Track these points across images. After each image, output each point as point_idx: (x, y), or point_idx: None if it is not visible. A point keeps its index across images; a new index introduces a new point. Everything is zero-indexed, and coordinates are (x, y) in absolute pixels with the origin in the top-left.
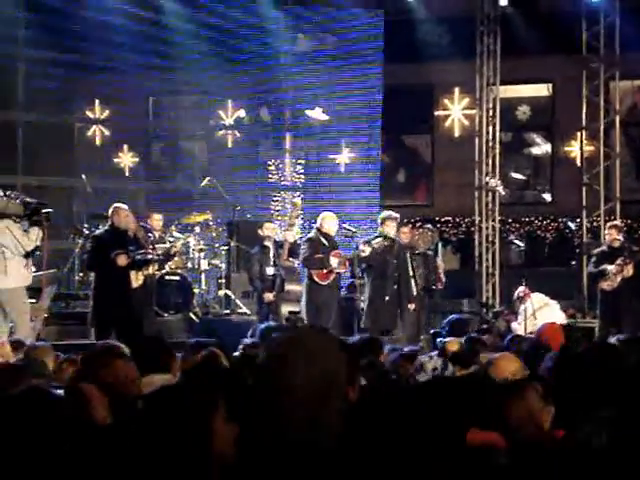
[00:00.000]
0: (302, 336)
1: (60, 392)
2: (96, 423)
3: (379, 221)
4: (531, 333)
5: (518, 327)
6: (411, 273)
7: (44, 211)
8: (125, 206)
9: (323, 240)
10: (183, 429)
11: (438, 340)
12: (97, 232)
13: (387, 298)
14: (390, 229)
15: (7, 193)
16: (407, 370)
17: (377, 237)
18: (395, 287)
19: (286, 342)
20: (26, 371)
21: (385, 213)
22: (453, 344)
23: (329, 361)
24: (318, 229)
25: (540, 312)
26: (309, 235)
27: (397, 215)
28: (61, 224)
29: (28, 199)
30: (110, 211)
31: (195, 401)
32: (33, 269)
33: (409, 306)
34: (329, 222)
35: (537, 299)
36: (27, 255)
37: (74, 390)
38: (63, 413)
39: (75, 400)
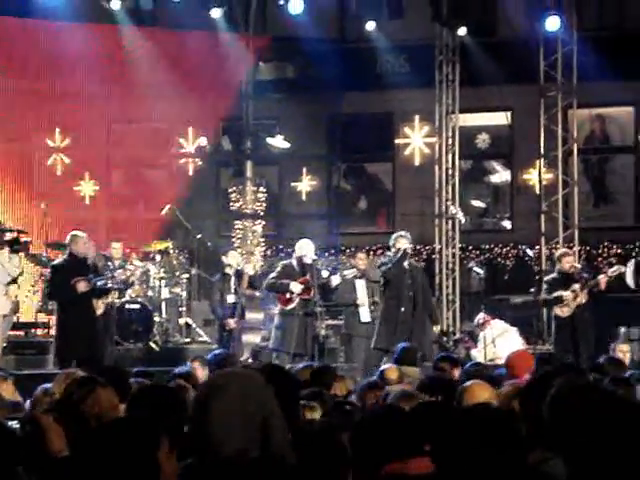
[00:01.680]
0: (224, 381)
1: (14, 423)
2: (51, 455)
3: (391, 241)
4: (491, 360)
5: (478, 354)
6: (366, 301)
7: (24, 239)
8: (83, 233)
9: (296, 267)
10: (130, 464)
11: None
12: (56, 261)
13: (401, 317)
14: (402, 245)
15: None
16: (371, 399)
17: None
18: (409, 306)
19: (207, 387)
20: None
21: (398, 232)
22: (392, 371)
23: (250, 404)
24: (296, 256)
25: (499, 339)
26: (284, 261)
27: (408, 234)
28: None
29: (5, 226)
30: (68, 239)
31: (140, 437)
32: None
33: (434, 329)
34: (304, 249)
35: (497, 326)
36: (14, 282)
37: (30, 421)
38: (19, 445)
39: (31, 431)
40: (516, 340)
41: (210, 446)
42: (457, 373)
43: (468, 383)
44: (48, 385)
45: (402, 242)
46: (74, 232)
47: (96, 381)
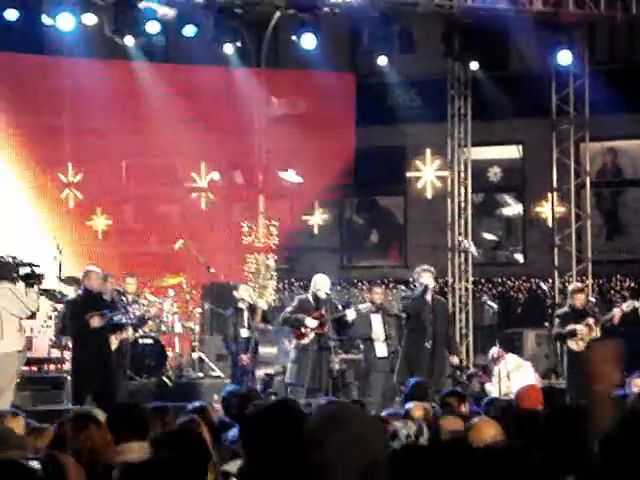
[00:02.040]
0: (346, 414)
1: (35, 463)
2: None
3: (415, 275)
4: (506, 394)
5: (492, 389)
6: (382, 336)
7: (38, 273)
8: (97, 269)
9: (312, 301)
10: None
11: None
12: (71, 296)
13: (422, 352)
14: (426, 280)
15: (1, 256)
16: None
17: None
18: (429, 342)
19: (325, 419)
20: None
21: (421, 266)
22: (418, 409)
23: (366, 445)
24: (312, 291)
25: (514, 374)
26: (300, 296)
27: (432, 268)
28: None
29: (21, 260)
30: (82, 275)
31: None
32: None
33: (452, 359)
34: (319, 284)
35: (511, 360)
36: (32, 316)
37: (51, 460)
38: None
39: (52, 471)
40: (531, 375)
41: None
42: (464, 408)
43: (474, 420)
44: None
45: (425, 277)
46: (88, 267)
47: (90, 418)
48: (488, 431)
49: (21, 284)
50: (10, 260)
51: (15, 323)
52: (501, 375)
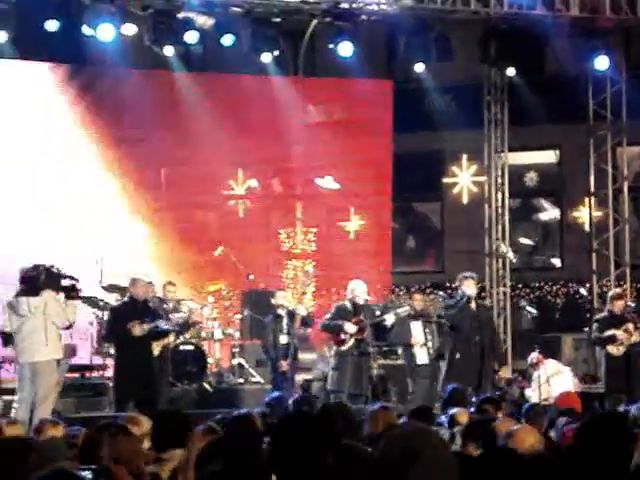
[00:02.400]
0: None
1: (87, 473)
2: None
3: (457, 282)
4: (546, 400)
5: (532, 394)
6: (422, 341)
7: (78, 287)
8: (142, 277)
9: (349, 308)
10: None
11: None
12: (116, 304)
13: (468, 361)
14: (467, 288)
15: (47, 266)
16: None
17: (460, 299)
18: (475, 350)
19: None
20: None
21: (463, 273)
22: (462, 415)
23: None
24: (349, 298)
25: (553, 379)
26: (338, 303)
27: (474, 274)
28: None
29: (63, 273)
30: (128, 282)
31: None
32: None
33: (499, 370)
34: (356, 290)
35: (550, 365)
36: (70, 327)
37: (104, 472)
38: None
39: None
40: (569, 380)
41: None
42: (500, 415)
43: (514, 428)
44: None
45: (467, 284)
46: (134, 276)
47: (118, 426)
48: (528, 439)
49: (61, 295)
50: (56, 271)
51: (56, 332)
52: (541, 380)
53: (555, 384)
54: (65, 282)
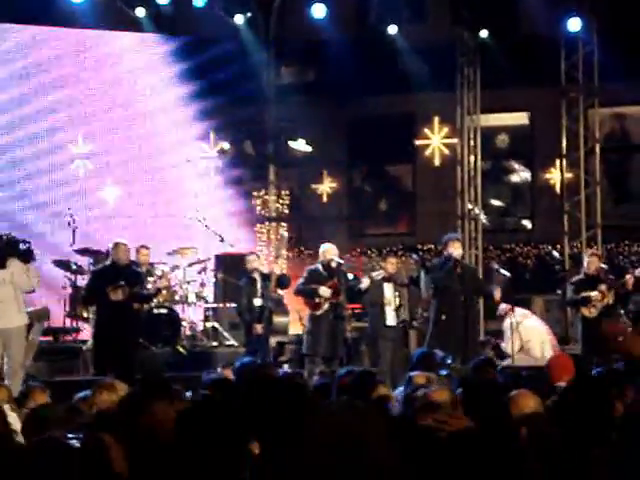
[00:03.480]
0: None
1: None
2: (115, 474)
3: (442, 244)
4: (521, 349)
5: (507, 346)
6: (393, 303)
7: (33, 249)
8: (124, 241)
9: (322, 271)
10: None
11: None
12: (97, 267)
13: (452, 322)
14: (453, 250)
15: (4, 235)
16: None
17: (444, 262)
18: (461, 311)
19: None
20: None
21: (447, 235)
22: (421, 377)
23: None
24: (321, 261)
25: (523, 324)
26: (310, 267)
27: (459, 236)
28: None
29: (16, 238)
30: (110, 246)
31: None
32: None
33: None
34: (328, 253)
35: (517, 312)
36: (33, 291)
37: (92, 440)
38: (81, 464)
39: (94, 451)
40: (538, 323)
41: None
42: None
43: (513, 393)
44: (84, 393)
45: (453, 247)
46: (116, 240)
47: (153, 393)
48: (527, 403)
49: (18, 260)
50: (12, 237)
51: (22, 299)
52: (512, 328)
53: (525, 329)
54: (22, 246)
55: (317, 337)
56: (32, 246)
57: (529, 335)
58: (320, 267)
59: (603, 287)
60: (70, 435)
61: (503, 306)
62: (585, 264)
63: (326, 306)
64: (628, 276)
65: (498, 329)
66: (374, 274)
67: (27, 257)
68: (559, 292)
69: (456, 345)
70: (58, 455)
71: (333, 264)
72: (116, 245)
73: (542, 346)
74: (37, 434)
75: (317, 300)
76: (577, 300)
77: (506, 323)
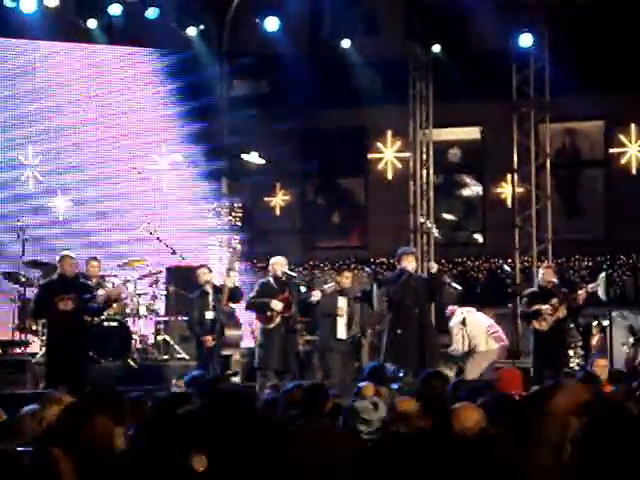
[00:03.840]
0: None
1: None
2: None
3: (396, 258)
4: (471, 349)
5: (457, 347)
6: (345, 315)
7: None
8: (72, 254)
9: (274, 284)
10: None
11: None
12: (45, 280)
13: (399, 331)
14: (407, 264)
15: None
16: None
17: (398, 275)
18: (416, 324)
19: None
20: None
21: (401, 249)
22: (369, 388)
23: None
24: (272, 274)
25: (468, 319)
26: (261, 280)
27: (414, 249)
28: None
29: None
30: (57, 259)
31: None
32: None
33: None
34: (278, 266)
35: (459, 310)
36: None
37: (42, 454)
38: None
39: (44, 465)
40: (480, 316)
41: None
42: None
43: (457, 406)
44: (33, 407)
45: (407, 260)
46: (63, 252)
47: (93, 407)
48: (471, 416)
49: None
50: None
51: None
52: (458, 327)
53: (470, 324)
54: None
55: (269, 350)
56: None
57: (474, 330)
58: (271, 280)
59: (554, 301)
60: (19, 449)
61: (450, 308)
62: (540, 276)
63: (278, 319)
64: (580, 291)
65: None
66: (326, 286)
67: None
68: (510, 305)
69: (413, 359)
70: (8, 469)
71: (283, 277)
72: (62, 258)
73: (486, 338)
74: None
75: (269, 313)
76: (529, 313)
77: (452, 322)
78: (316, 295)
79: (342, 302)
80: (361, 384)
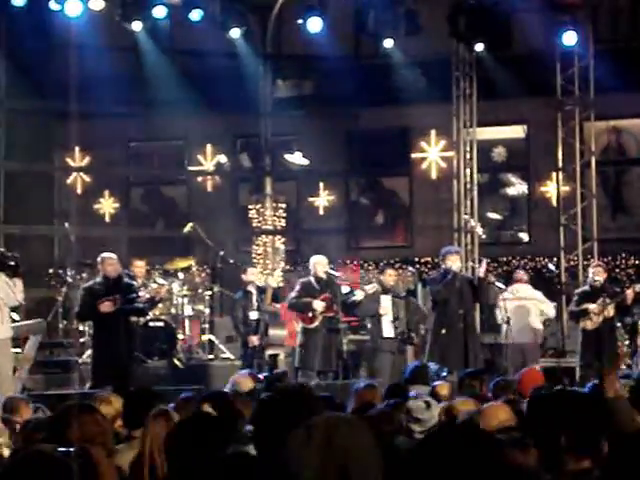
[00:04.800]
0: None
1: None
2: None
3: (440, 256)
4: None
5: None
6: (390, 314)
7: (19, 264)
8: (111, 255)
9: (315, 284)
10: None
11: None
12: (88, 283)
13: (443, 331)
14: (452, 263)
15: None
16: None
17: (444, 275)
18: (461, 324)
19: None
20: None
21: (445, 248)
22: (443, 387)
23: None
24: (313, 273)
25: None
26: (302, 279)
27: (458, 249)
28: (43, 273)
29: (6, 252)
30: (98, 260)
31: None
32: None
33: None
34: (319, 266)
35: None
36: (19, 306)
37: (82, 453)
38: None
39: (83, 464)
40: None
41: None
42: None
43: (486, 405)
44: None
45: (452, 260)
46: (103, 254)
47: (84, 406)
48: (498, 415)
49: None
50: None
51: (8, 312)
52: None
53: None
54: (10, 261)
55: (310, 350)
56: (19, 261)
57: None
58: (312, 280)
59: (602, 300)
60: (60, 449)
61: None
62: (590, 275)
63: (320, 319)
64: (629, 291)
65: (493, 342)
66: (367, 287)
67: (14, 271)
68: (555, 305)
69: (456, 359)
70: (49, 469)
71: (322, 275)
72: (103, 260)
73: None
74: (26, 447)
75: (311, 314)
76: (576, 312)
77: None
78: (359, 295)
79: (386, 301)
80: (436, 383)
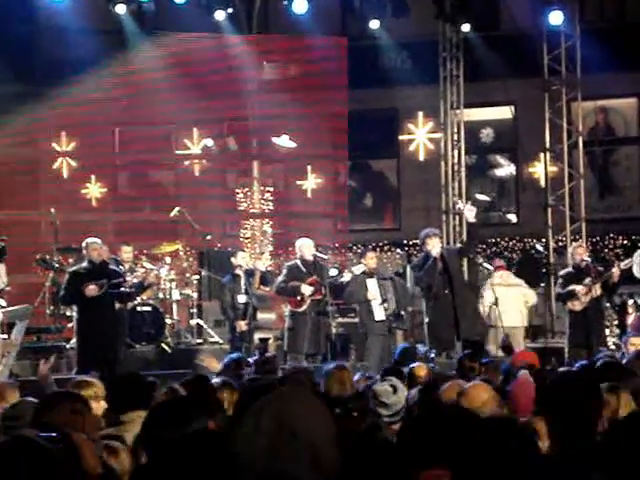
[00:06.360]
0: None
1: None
2: (88, 473)
3: (420, 240)
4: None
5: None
6: (378, 297)
7: (5, 247)
8: (95, 240)
9: (302, 267)
10: None
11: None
12: (74, 267)
13: (431, 314)
14: (431, 247)
15: None
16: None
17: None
18: (449, 304)
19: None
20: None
21: (424, 231)
22: (422, 368)
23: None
24: (299, 257)
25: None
26: (289, 263)
27: (437, 231)
28: (29, 258)
29: None
30: (83, 245)
31: None
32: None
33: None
34: (305, 249)
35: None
36: (2, 289)
37: (64, 438)
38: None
39: (66, 449)
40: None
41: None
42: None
43: (467, 385)
44: None
45: (432, 243)
46: (88, 239)
47: (63, 395)
48: (480, 396)
49: None
50: None
51: None
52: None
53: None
54: None
55: (298, 334)
56: (3, 247)
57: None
58: (299, 263)
59: (588, 280)
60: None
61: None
62: (569, 256)
63: (308, 303)
64: (614, 268)
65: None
66: (354, 268)
67: (1, 257)
68: (542, 285)
69: (447, 339)
70: (32, 454)
71: (309, 257)
72: (87, 245)
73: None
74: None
75: (299, 297)
76: (563, 294)
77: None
78: (346, 276)
79: (372, 284)
80: (413, 364)
